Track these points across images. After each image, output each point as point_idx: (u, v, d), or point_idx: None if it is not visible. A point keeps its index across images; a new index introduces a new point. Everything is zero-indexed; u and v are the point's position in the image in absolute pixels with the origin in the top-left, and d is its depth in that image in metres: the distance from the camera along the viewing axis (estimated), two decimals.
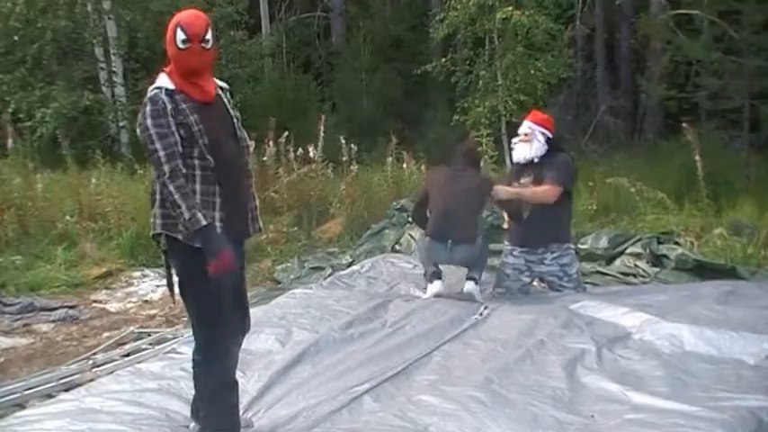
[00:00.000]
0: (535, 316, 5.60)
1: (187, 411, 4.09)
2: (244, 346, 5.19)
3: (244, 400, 4.19)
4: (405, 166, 11.22)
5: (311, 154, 10.53)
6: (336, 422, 3.99)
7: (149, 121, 3.58)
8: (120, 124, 15.88)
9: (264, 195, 10.15)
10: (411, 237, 8.48)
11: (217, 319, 3.75)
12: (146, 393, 4.44)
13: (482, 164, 6.85)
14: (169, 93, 3.66)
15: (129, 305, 7.51)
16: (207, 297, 3.70)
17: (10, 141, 11.70)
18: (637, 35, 20.14)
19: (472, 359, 4.85)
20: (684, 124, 10.44)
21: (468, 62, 15.60)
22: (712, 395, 4.06)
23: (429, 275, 6.43)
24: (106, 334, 6.44)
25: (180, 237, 3.63)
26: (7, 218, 9.35)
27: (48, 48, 15.93)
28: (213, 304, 3.72)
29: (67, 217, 9.57)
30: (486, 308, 5.90)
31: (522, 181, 6.42)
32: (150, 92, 3.68)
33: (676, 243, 7.71)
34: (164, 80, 3.72)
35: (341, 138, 11.09)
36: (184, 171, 3.58)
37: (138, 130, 3.68)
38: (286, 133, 10.76)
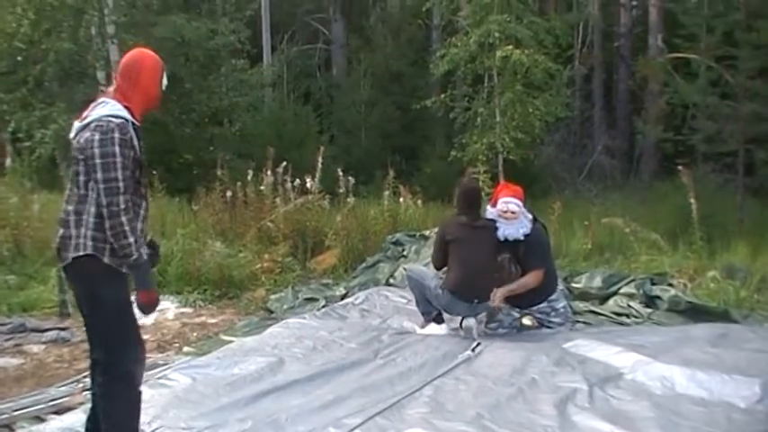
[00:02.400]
0: (527, 353, 5.61)
1: None
2: (235, 371, 5.22)
3: (233, 423, 4.20)
4: (401, 200, 11.24)
5: (308, 185, 10.55)
6: None
7: (117, 149, 3.72)
8: None
9: (261, 224, 10.17)
10: (405, 270, 8.48)
11: (128, 342, 3.88)
12: None
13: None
14: (133, 127, 3.84)
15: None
16: (122, 321, 3.85)
17: (8, 161, 11.71)
18: (634, 77, 20.35)
19: (464, 394, 4.86)
20: (680, 166, 10.48)
21: (466, 98, 15.72)
22: None
23: (434, 316, 6.52)
24: None
25: (107, 260, 3.75)
26: (2, 237, 9.34)
27: (50, 69, 15.94)
28: (127, 327, 3.88)
29: None
30: (478, 344, 5.91)
31: (501, 257, 6.46)
32: (115, 119, 3.78)
33: (670, 284, 7.72)
34: (122, 110, 3.84)
35: (338, 170, 11.13)
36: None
37: (92, 151, 3.73)
38: (284, 163, 10.79)
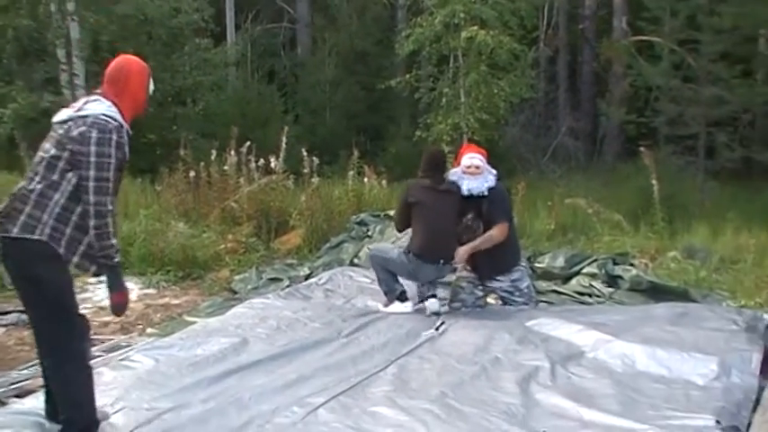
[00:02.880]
0: (490, 331, 5.64)
1: (133, 420, 4.11)
2: (199, 352, 5.21)
3: (196, 404, 4.20)
4: (366, 180, 11.23)
5: (273, 165, 10.49)
6: (289, 430, 4.00)
7: (113, 151, 3.79)
8: None
9: (224, 205, 10.12)
10: (370, 250, 8.49)
11: (72, 323, 3.93)
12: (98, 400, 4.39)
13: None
14: (126, 132, 3.91)
15: (83, 311, 7.40)
16: (65, 302, 3.87)
17: None
18: (599, 59, 20.48)
19: (427, 373, 4.88)
20: (642, 148, 10.58)
21: (431, 79, 15.75)
22: (662, 414, 4.12)
23: (398, 294, 6.52)
24: None
25: (61, 252, 3.76)
26: None
27: (8, 47, 15.73)
28: (70, 308, 3.92)
29: None
30: (442, 323, 5.93)
31: (466, 218, 6.45)
32: (113, 120, 3.83)
33: (631, 264, 7.80)
34: (117, 113, 3.90)
35: (303, 150, 11.08)
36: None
37: (87, 148, 3.76)
38: (248, 143, 10.72)
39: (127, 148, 3.90)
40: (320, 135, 18.74)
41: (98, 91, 4.02)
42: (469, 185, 6.38)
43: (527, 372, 4.81)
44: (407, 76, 15.60)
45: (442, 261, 6.34)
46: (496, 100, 14.44)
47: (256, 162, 10.60)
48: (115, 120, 3.85)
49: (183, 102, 17.51)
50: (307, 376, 4.79)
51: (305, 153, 10.89)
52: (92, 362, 4.38)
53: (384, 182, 11.45)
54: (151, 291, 8.10)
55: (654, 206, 9.53)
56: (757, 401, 4.46)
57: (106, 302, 7.47)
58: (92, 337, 6.22)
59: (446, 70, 15.38)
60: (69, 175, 3.77)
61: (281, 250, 9.74)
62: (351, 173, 11.07)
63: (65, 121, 3.90)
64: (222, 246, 9.16)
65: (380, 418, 4.12)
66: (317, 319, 6.10)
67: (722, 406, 4.19)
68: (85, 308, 7.46)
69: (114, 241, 3.81)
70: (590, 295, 7.27)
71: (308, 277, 8.17)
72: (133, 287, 8.10)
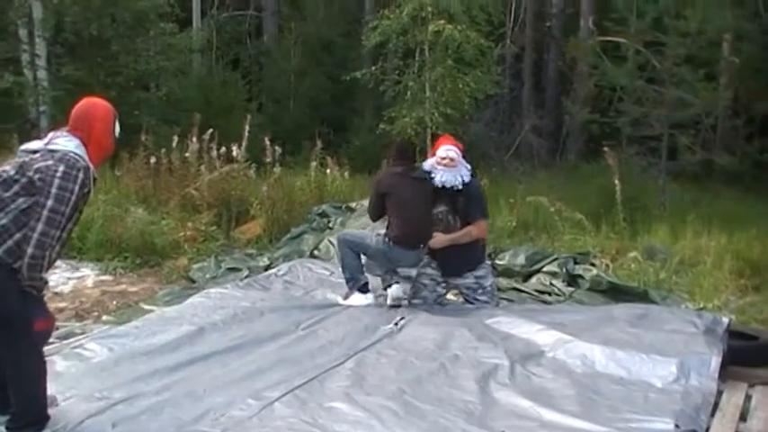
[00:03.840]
0: (450, 328, 5.60)
1: (84, 409, 4.04)
2: (154, 341, 5.11)
3: (150, 395, 4.11)
4: (328, 171, 11.16)
5: (234, 153, 10.39)
6: (246, 426, 3.92)
7: (76, 189, 3.74)
8: (41, 109, 15.40)
9: (185, 192, 9.99)
10: (330, 243, 8.42)
11: (29, 317, 3.81)
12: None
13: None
14: (92, 174, 3.88)
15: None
16: (23, 317, 3.76)
17: None
18: (564, 58, 20.53)
19: (386, 369, 4.83)
20: (606, 148, 10.62)
21: (397, 72, 15.65)
22: (621, 416, 4.12)
23: (360, 285, 6.47)
24: None
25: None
26: None
27: None
28: (30, 322, 3.80)
29: None
30: (401, 318, 5.88)
31: (438, 210, 6.40)
32: (81, 160, 3.80)
33: (592, 264, 7.83)
34: (84, 153, 3.85)
35: (265, 139, 10.97)
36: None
37: (51, 179, 3.70)
38: (210, 130, 10.59)
39: (89, 191, 3.85)
40: (283, 125, 18.59)
41: (66, 128, 3.94)
42: (443, 178, 6.31)
43: (486, 370, 4.78)
44: (373, 68, 15.51)
45: (422, 246, 6.35)
46: (461, 95, 14.41)
47: (218, 150, 10.49)
48: (84, 160, 3.81)
49: (145, 87, 17.27)
50: (263, 369, 4.73)
51: (268, 142, 10.80)
52: (44, 349, 4.29)
53: (346, 174, 11.40)
54: (108, 277, 7.97)
55: (616, 206, 9.57)
56: (716, 406, 4.47)
57: (61, 288, 7.44)
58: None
59: (412, 63, 15.30)
60: (21, 200, 3.70)
61: (241, 240, 9.64)
62: (313, 164, 11.00)
63: (34, 152, 3.84)
64: (181, 233, 9.05)
65: (337, 414, 4.07)
66: (275, 311, 6.03)
67: (681, 409, 4.20)
68: None
69: (44, 275, 3.74)
70: (550, 294, 7.27)
71: (267, 268, 8.09)
72: (89, 273, 7.98)
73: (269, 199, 9.93)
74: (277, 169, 10.43)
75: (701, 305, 6.98)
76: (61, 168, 3.71)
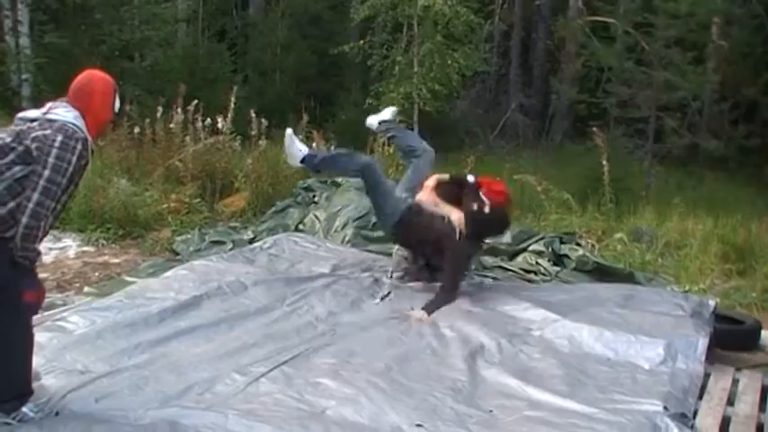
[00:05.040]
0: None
1: (66, 382, 3.99)
2: (137, 314, 5.03)
3: (133, 369, 4.06)
4: (314, 145, 11.06)
5: (220, 125, 10.26)
6: (231, 401, 3.86)
7: (74, 160, 3.66)
8: (23, 77, 15.21)
9: (169, 163, 9.87)
10: (316, 217, 8.36)
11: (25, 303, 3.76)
12: None
13: None
14: (89, 147, 3.80)
15: None
16: (14, 289, 3.68)
17: None
18: (553, 37, 20.48)
19: (373, 345, 4.77)
20: (594, 128, 10.58)
21: (385, 47, 15.57)
22: (609, 397, 4.10)
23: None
24: None
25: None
26: None
27: None
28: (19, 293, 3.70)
29: None
30: (388, 293, 5.83)
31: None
32: (79, 131, 3.72)
33: (578, 244, 7.79)
34: (82, 125, 3.77)
35: (251, 111, 10.86)
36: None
37: (48, 149, 3.63)
38: (195, 102, 10.46)
39: (86, 163, 3.80)
40: (269, 97, 18.47)
41: (64, 99, 3.86)
42: None
43: (473, 348, 4.75)
44: (361, 42, 15.42)
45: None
46: (450, 71, 14.37)
47: (203, 121, 10.35)
48: (82, 131, 3.73)
49: (130, 57, 17.09)
50: (248, 344, 4.67)
51: (253, 115, 10.68)
52: None
53: (333, 148, 11.30)
54: (90, 248, 7.87)
55: (602, 187, 9.55)
56: (703, 389, 4.46)
57: (43, 258, 7.33)
58: None
59: (400, 38, 15.24)
60: (17, 168, 3.62)
61: (225, 213, 9.55)
62: (299, 137, 10.87)
63: (32, 120, 3.76)
64: (165, 205, 8.94)
65: (324, 390, 4.02)
66: (260, 284, 5.91)
67: (668, 391, 4.19)
68: None
69: (37, 246, 3.65)
70: (536, 273, 7.22)
71: (251, 241, 7.99)
72: (71, 244, 7.89)
73: (254, 172, 9.83)
74: (262, 142, 10.32)
75: (687, 288, 6.96)
76: (59, 138, 3.63)
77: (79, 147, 3.68)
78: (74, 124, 3.72)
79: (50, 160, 3.59)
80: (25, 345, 3.77)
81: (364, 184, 6.44)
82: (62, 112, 3.76)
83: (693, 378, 4.45)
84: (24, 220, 3.55)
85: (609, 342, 4.86)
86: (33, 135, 3.65)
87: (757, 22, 17.42)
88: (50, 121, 3.71)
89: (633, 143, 15.30)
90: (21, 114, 3.88)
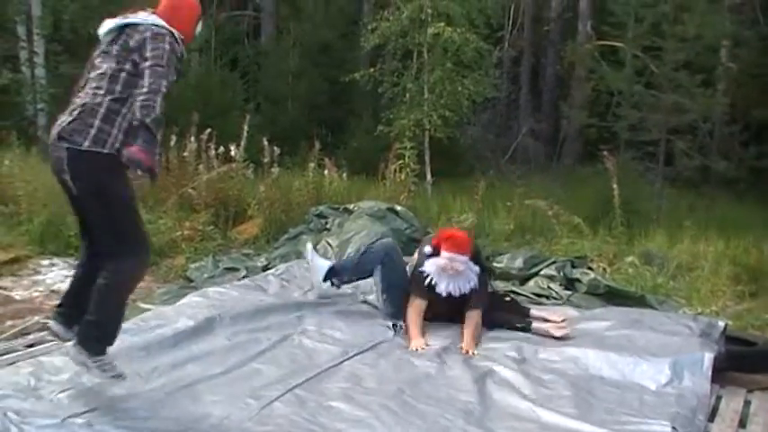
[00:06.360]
0: (447, 330, 5.61)
1: (83, 404, 4.04)
2: (152, 339, 5.06)
3: (147, 392, 4.10)
4: (326, 172, 11.15)
5: (233, 153, 10.35)
6: (246, 425, 3.92)
7: (167, 47, 4.00)
8: (39, 107, 15.42)
9: (182, 191, 9.96)
10: (328, 243, 8.42)
11: (138, 230, 4.17)
12: (47, 386, 4.26)
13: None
14: (181, 50, 4.19)
15: (35, 294, 7.24)
16: (129, 209, 4.13)
17: None
18: (562, 62, 20.57)
19: (384, 369, 4.83)
20: (605, 152, 10.62)
21: (395, 74, 15.67)
22: (617, 418, 4.13)
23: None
24: (9, 322, 6.17)
25: (105, 150, 3.93)
26: None
27: None
28: (134, 216, 4.17)
29: None
30: (400, 322, 5.85)
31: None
32: (161, 27, 4.06)
33: (589, 268, 7.82)
34: (165, 24, 4.11)
35: (263, 139, 10.96)
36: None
37: (144, 45, 3.98)
38: (209, 130, 10.57)
39: (181, 56, 4.17)
40: (281, 125, 18.57)
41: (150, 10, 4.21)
42: (450, 287, 5.75)
43: (483, 371, 4.80)
44: (371, 69, 15.54)
45: None
46: (460, 98, 14.46)
47: (216, 150, 10.45)
48: (166, 28, 4.08)
49: None
50: (262, 368, 4.73)
51: (266, 142, 10.78)
52: (43, 346, 4.28)
53: (344, 175, 11.38)
54: None
55: (613, 210, 9.56)
56: (714, 411, 4.48)
57: (58, 286, 7.42)
58: (44, 320, 6.12)
59: (410, 66, 15.33)
60: (136, 90, 3.93)
61: (239, 240, 9.62)
62: (311, 164, 10.97)
63: (116, 34, 4.10)
64: (179, 233, 9.02)
65: (337, 413, 4.07)
66: (272, 311, 5.99)
67: (676, 411, 4.21)
68: (38, 291, 7.33)
69: (159, 113, 3.89)
70: (548, 297, 7.25)
71: (265, 268, 8.06)
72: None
73: (266, 199, 9.91)
74: (275, 170, 10.40)
75: (699, 310, 6.97)
76: (149, 34, 3.99)
77: (168, 38, 4.02)
78: (155, 24, 4.06)
79: (148, 53, 3.93)
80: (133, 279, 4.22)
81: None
82: (145, 15, 4.11)
83: (700, 396, 4.48)
84: (141, 96, 3.85)
85: (615, 364, 4.90)
86: (129, 47, 4.02)
87: (766, 44, 17.49)
88: (134, 25, 4.05)
89: (644, 166, 15.31)
90: (102, 31, 4.19)
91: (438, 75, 14.38)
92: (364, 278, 6.33)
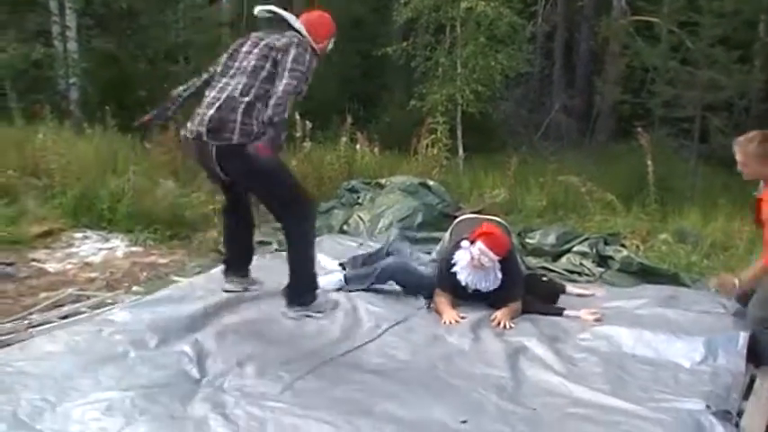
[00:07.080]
0: (479, 306, 5.61)
1: (115, 377, 4.07)
2: (185, 312, 5.10)
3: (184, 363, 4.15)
4: (358, 147, 11.14)
5: None
6: (279, 397, 3.93)
7: (307, 55, 4.67)
8: (71, 80, 15.49)
9: None
10: (360, 218, 8.43)
11: (303, 194, 5.10)
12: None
13: None
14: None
15: (68, 266, 7.31)
16: (292, 180, 5.02)
17: None
18: (596, 37, 20.35)
19: (418, 345, 4.84)
20: (639, 128, 10.52)
21: (428, 48, 15.59)
22: (651, 396, 4.12)
23: None
24: (43, 294, 6.23)
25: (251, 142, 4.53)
26: None
27: None
28: (296, 183, 5.09)
29: (10, 171, 9.30)
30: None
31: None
32: (303, 38, 4.82)
33: (622, 245, 7.77)
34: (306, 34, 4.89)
35: (295, 113, 10.95)
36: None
37: (289, 49, 4.65)
38: None
39: (316, 64, 4.81)
40: (314, 100, 18.44)
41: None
42: (469, 278, 5.71)
43: (515, 348, 4.80)
44: (404, 44, 15.47)
45: None
46: (493, 72, 14.37)
47: None
48: (306, 38, 4.81)
49: (175, 59, 17.30)
50: (295, 341, 4.75)
51: (298, 117, 10.77)
52: (74, 318, 4.31)
53: (376, 150, 11.36)
54: (138, 249, 8.00)
55: (647, 187, 9.48)
56: (749, 389, 4.44)
57: (91, 258, 7.49)
58: (77, 292, 6.20)
59: (443, 40, 15.24)
60: (264, 72, 4.65)
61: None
62: (343, 139, 10.97)
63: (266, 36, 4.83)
64: (211, 206, 9.04)
65: (371, 387, 4.08)
66: None
67: (711, 390, 4.20)
68: (71, 263, 7.39)
69: (284, 110, 4.45)
70: (580, 273, 7.23)
71: None
72: (120, 244, 8.02)
73: (299, 173, 9.90)
74: (307, 144, 10.42)
75: None
76: (296, 40, 4.69)
77: (308, 53, 4.66)
78: (302, 33, 4.80)
79: (290, 57, 4.55)
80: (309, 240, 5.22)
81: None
82: (292, 17, 4.89)
83: (735, 375, 4.46)
84: (278, 90, 4.46)
85: (650, 342, 4.89)
86: (275, 46, 4.69)
87: None
88: (287, 23, 4.85)
89: (678, 143, 15.17)
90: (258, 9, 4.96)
91: (471, 49, 14.29)
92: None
